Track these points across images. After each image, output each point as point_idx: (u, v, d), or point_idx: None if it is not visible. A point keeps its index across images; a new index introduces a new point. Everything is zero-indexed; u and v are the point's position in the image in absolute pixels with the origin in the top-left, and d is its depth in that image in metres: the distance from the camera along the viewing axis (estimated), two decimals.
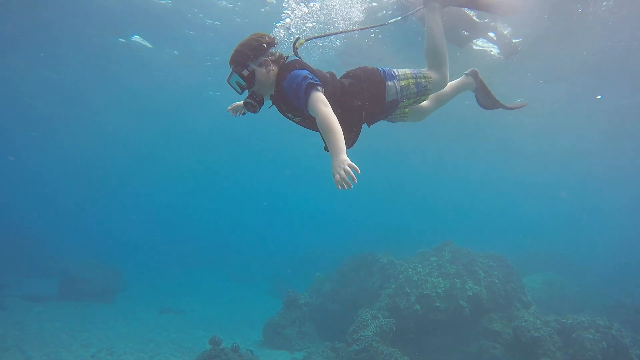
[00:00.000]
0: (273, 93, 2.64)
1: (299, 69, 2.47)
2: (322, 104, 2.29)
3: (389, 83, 2.82)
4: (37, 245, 17.55)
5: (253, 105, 2.55)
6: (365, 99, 2.72)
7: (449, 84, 3.23)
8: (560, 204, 36.19)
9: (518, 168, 26.20)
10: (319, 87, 2.37)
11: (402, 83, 2.86)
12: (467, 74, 3.42)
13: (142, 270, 19.30)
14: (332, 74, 2.75)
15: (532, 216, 36.16)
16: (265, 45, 2.55)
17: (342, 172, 2.00)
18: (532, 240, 20.65)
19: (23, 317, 10.61)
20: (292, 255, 22.97)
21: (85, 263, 14.97)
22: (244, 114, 3.10)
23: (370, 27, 3.66)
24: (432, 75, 3.00)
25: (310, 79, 2.39)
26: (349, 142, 2.69)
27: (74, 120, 21.05)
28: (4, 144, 27.42)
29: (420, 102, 3.05)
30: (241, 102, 3.01)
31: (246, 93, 2.64)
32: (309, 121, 2.60)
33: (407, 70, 2.95)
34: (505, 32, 9.32)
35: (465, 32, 8.43)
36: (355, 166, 2.03)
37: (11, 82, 16.19)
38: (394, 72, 2.91)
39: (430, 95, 3.15)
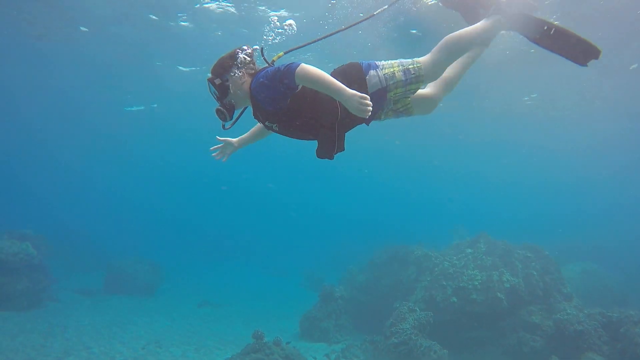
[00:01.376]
0: (250, 105, 2.70)
1: (263, 70, 2.50)
2: (302, 69, 2.30)
3: (371, 72, 2.66)
4: (84, 241, 18.51)
5: (222, 112, 2.59)
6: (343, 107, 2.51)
7: (464, 36, 2.85)
8: (598, 196, 35.02)
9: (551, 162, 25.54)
10: (291, 65, 2.35)
11: (386, 71, 2.68)
12: (489, 15, 2.91)
13: (179, 265, 19.99)
14: None
15: (569, 209, 35.00)
16: (241, 56, 2.60)
17: (357, 103, 2.19)
18: (570, 232, 20.08)
19: (77, 309, 11.33)
20: (325, 249, 23.28)
21: (127, 259, 15.70)
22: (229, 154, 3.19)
23: (356, 24, 3.02)
24: (427, 59, 2.76)
25: (270, 75, 2.40)
26: (334, 147, 2.60)
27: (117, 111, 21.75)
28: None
29: (414, 92, 2.81)
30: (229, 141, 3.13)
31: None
32: (286, 125, 2.61)
33: (394, 60, 2.76)
34: None
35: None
36: (365, 95, 2.21)
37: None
38: (377, 63, 2.74)
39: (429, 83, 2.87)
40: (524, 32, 2.92)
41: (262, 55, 2.71)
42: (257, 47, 2.73)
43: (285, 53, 2.74)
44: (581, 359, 7.19)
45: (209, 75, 2.63)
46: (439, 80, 2.96)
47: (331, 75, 2.56)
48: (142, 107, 20.99)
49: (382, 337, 8.63)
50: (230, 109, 2.63)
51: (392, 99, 2.77)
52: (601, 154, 23.63)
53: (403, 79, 2.68)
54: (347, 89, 2.24)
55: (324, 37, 2.88)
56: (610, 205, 35.02)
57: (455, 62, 2.94)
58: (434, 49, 2.81)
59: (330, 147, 2.60)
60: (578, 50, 2.87)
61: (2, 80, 17.62)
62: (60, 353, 7.76)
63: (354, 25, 3.04)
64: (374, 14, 3.04)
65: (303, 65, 2.31)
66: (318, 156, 2.69)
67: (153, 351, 8.46)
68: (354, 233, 25.01)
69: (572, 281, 12.16)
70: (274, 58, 2.71)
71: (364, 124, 2.74)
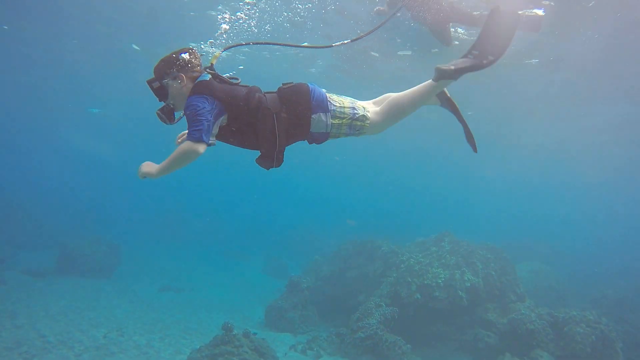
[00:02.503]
0: None
1: (202, 94, 2.40)
2: (192, 151, 2.35)
3: (320, 114, 2.57)
4: (32, 218, 17.35)
5: (161, 117, 2.59)
6: (282, 121, 2.52)
7: (411, 94, 2.71)
8: (560, 201, 37.33)
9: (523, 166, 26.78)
10: (202, 141, 2.35)
11: (335, 121, 2.60)
12: (434, 78, 2.61)
13: (137, 246, 19.31)
14: (251, 88, 2.59)
15: (532, 212, 37.14)
16: (181, 59, 2.54)
17: (140, 175, 2.54)
18: (528, 232, 21.38)
19: (27, 293, 10.67)
20: (286, 234, 23.31)
21: (84, 239, 14.95)
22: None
23: (307, 47, 3.26)
24: (375, 120, 2.68)
25: (205, 121, 2.35)
26: (270, 162, 2.62)
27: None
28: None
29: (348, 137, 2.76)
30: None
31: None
32: (224, 140, 2.64)
33: (346, 106, 2.63)
34: None
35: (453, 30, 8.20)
36: (144, 178, 2.55)
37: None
38: (331, 103, 2.61)
39: (382, 112, 2.75)
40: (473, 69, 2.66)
41: (211, 64, 2.67)
42: (193, 46, 2.70)
43: (222, 51, 2.69)
44: (530, 355, 7.78)
45: (150, 77, 2.59)
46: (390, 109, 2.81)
47: (278, 91, 2.59)
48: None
49: (348, 331, 8.87)
50: (169, 113, 2.60)
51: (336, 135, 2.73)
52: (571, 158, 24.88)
53: (346, 131, 2.66)
54: (158, 173, 2.47)
55: (267, 43, 2.94)
56: (574, 209, 37.61)
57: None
58: (383, 110, 2.72)
59: (269, 165, 2.65)
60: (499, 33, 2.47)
61: None
62: (11, 343, 7.31)
63: (305, 46, 3.15)
64: (332, 46, 3.02)
65: (194, 148, 2.33)
66: (257, 163, 2.71)
67: (115, 340, 8.19)
68: (320, 221, 25.24)
69: (521, 280, 13.03)
70: (212, 60, 2.65)
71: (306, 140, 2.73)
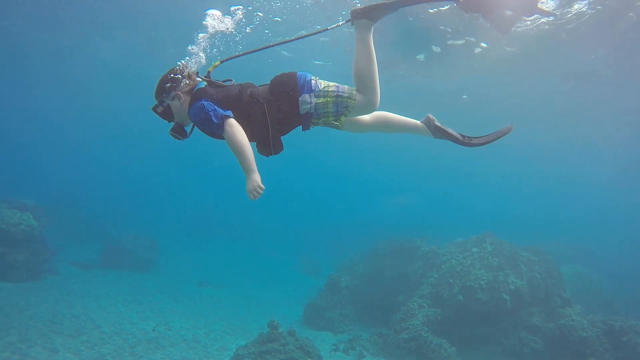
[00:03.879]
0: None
1: (199, 99, 2.57)
2: (230, 129, 2.47)
3: (305, 97, 2.64)
4: (77, 211, 18.10)
5: (175, 136, 2.76)
6: (272, 108, 2.64)
7: (401, 119, 2.95)
8: (594, 199, 35.96)
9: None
10: (226, 116, 2.50)
11: (320, 100, 2.66)
12: (422, 121, 2.95)
13: (173, 241, 19.83)
14: (244, 85, 2.73)
15: (564, 212, 35.75)
16: (174, 78, 2.68)
17: (254, 192, 2.43)
18: (559, 234, 20.69)
19: (77, 284, 11.20)
20: (321, 234, 23.43)
21: (126, 233, 15.50)
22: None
23: (296, 38, 3.10)
24: (358, 97, 2.71)
25: (212, 110, 2.51)
26: (268, 149, 2.73)
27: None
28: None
29: (341, 121, 2.77)
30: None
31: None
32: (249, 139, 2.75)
33: (331, 86, 2.71)
34: None
35: (510, 12, 7.99)
36: (262, 186, 2.46)
37: None
38: (316, 83, 2.70)
39: (371, 114, 2.89)
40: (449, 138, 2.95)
41: (207, 73, 2.82)
42: (183, 62, 2.78)
43: (221, 62, 2.81)
44: None
45: (154, 104, 2.74)
46: (383, 117, 2.99)
47: (270, 83, 2.71)
48: None
49: (391, 332, 8.84)
50: (180, 130, 2.79)
51: (321, 121, 2.77)
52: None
53: (333, 110, 2.68)
54: (253, 172, 2.43)
55: (263, 48, 2.94)
56: (594, 208, 36.13)
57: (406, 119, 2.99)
58: (363, 87, 2.74)
59: (267, 151, 2.75)
60: None
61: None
62: (72, 332, 7.69)
63: (297, 39, 3.08)
64: (327, 29, 3.00)
65: (230, 126, 2.46)
66: (258, 153, 2.81)
67: (164, 333, 8.45)
68: (352, 220, 25.22)
69: (565, 284, 12.64)
70: (210, 69, 2.81)
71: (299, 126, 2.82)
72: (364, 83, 2.71)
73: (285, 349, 7.48)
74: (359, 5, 2.69)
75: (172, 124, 2.79)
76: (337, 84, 2.73)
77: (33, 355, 6.51)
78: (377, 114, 2.91)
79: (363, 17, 2.65)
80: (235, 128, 2.46)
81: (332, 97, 2.66)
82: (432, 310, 9.02)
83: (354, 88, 2.74)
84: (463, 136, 2.88)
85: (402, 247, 12.30)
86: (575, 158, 25.32)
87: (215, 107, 2.52)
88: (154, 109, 2.72)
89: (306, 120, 2.71)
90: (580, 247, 18.17)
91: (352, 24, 2.71)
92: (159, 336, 8.26)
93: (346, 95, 2.67)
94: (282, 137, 2.77)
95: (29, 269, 10.65)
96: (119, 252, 14.67)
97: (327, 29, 3.01)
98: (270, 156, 2.80)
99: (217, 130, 2.51)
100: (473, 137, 2.89)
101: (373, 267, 12.48)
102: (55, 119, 31.86)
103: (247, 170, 2.44)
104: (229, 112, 2.51)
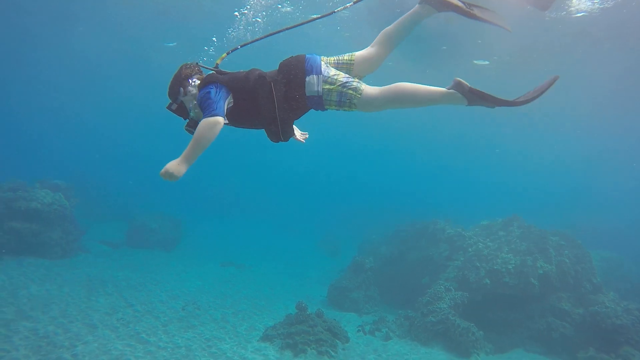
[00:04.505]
0: None
1: (209, 84, 2.62)
2: (211, 123, 2.44)
3: (313, 77, 2.62)
4: (102, 191, 18.47)
5: (190, 131, 2.73)
6: (279, 87, 2.64)
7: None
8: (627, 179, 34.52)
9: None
10: (219, 114, 2.48)
11: (326, 87, 2.62)
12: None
13: (194, 220, 20.13)
14: (252, 70, 2.72)
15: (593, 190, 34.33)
16: (186, 75, 2.77)
17: (169, 177, 2.37)
18: (592, 216, 20.11)
19: (107, 262, 11.51)
20: (339, 212, 23.46)
21: (150, 214, 15.78)
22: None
23: (306, 22, 2.97)
24: (370, 94, 2.60)
25: (216, 102, 2.51)
26: (277, 134, 2.71)
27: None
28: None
29: (343, 109, 2.70)
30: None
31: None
32: (233, 124, 2.77)
33: (341, 76, 2.66)
34: None
35: None
36: (178, 179, 2.41)
37: None
38: (327, 68, 2.67)
39: (383, 88, 2.65)
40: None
41: (216, 65, 2.86)
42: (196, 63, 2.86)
43: (227, 54, 2.85)
44: (618, 352, 7.39)
45: (168, 103, 2.81)
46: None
47: (279, 66, 2.71)
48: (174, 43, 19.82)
49: (418, 314, 8.84)
50: (195, 125, 2.72)
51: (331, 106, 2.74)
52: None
53: (336, 99, 2.63)
54: (187, 165, 2.41)
55: (266, 36, 2.92)
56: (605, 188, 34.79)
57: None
58: (384, 88, 2.61)
59: (276, 139, 2.77)
60: None
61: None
62: (107, 309, 7.91)
63: (300, 25, 2.97)
64: (334, 12, 2.94)
65: (213, 120, 2.43)
66: (268, 138, 2.83)
67: (193, 313, 8.63)
68: (372, 200, 25.12)
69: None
70: (217, 61, 2.86)
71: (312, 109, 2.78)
72: (392, 99, 2.60)
73: (314, 331, 7.57)
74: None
75: (187, 121, 2.81)
76: (347, 76, 2.69)
77: (75, 331, 6.72)
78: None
79: (463, 94, 2.49)
80: (214, 126, 2.43)
81: (339, 86, 2.62)
82: (459, 294, 8.97)
83: (363, 83, 2.67)
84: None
85: (426, 229, 12.20)
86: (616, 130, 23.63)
87: (220, 101, 2.53)
88: (169, 107, 2.81)
89: (314, 103, 2.69)
90: (610, 228, 17.71)
91: (448, 88, 2.51)
92: (189, 315, 8.43)
93: (353, 87, 2.61)
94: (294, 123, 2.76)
95: (63, 247, 10.95)
96: (144, 231, 15.00)
97: (334, 12, 2.94)
98: (279, 142, 2.80)
99: (204, 115, 2.48)
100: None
101: (395, 249, 12.46)
102: (76, 106, 32.16)
103: (186, 160, 2.41)
104: (224, 116, 2.50)
